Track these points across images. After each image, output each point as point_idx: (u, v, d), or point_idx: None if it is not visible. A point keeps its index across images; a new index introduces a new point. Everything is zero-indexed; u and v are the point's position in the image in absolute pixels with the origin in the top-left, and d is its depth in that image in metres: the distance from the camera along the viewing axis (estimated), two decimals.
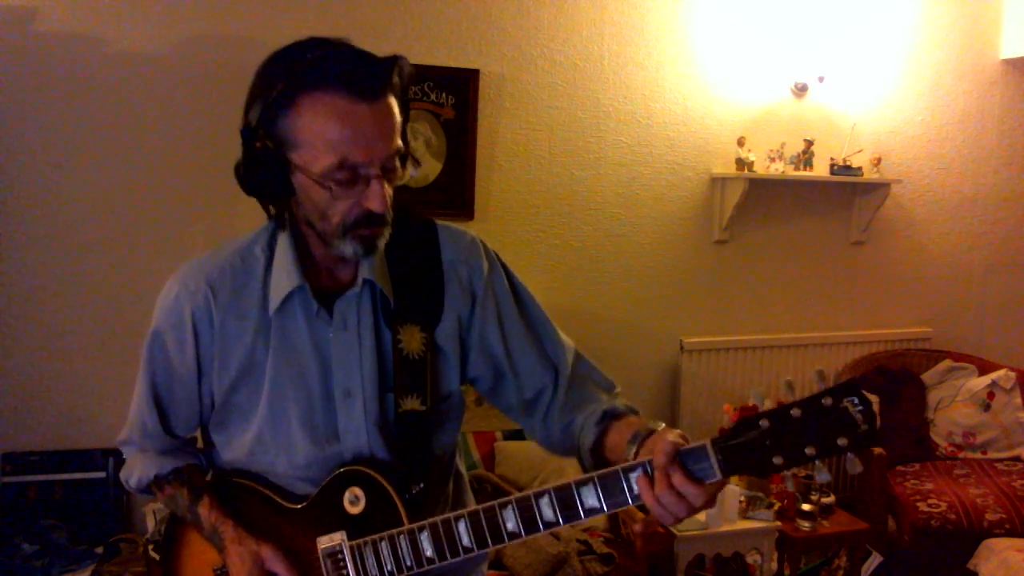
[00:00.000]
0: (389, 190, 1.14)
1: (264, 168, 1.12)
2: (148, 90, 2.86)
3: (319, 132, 1.07)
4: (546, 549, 2.52)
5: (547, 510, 1.07)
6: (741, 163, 3.56)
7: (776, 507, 2.94)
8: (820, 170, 3.72)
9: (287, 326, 1.21)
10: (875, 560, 3.20)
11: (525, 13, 3.28)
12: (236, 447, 1.26)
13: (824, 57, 3.63)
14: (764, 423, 0.99)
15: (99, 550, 2.69)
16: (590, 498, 1.06)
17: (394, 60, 1.10)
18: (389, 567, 1.17)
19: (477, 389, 1.36)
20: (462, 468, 1.42)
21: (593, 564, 2.57)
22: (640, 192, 3.54)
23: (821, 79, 3.64)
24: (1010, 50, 4.00)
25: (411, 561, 1.16)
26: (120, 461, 2.92)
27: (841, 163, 3.72)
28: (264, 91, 1.09)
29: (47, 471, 2.80)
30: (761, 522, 2.88)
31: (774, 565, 2.98)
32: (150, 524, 2.73)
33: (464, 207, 3.24)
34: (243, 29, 2.90)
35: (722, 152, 3.62)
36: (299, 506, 1.23)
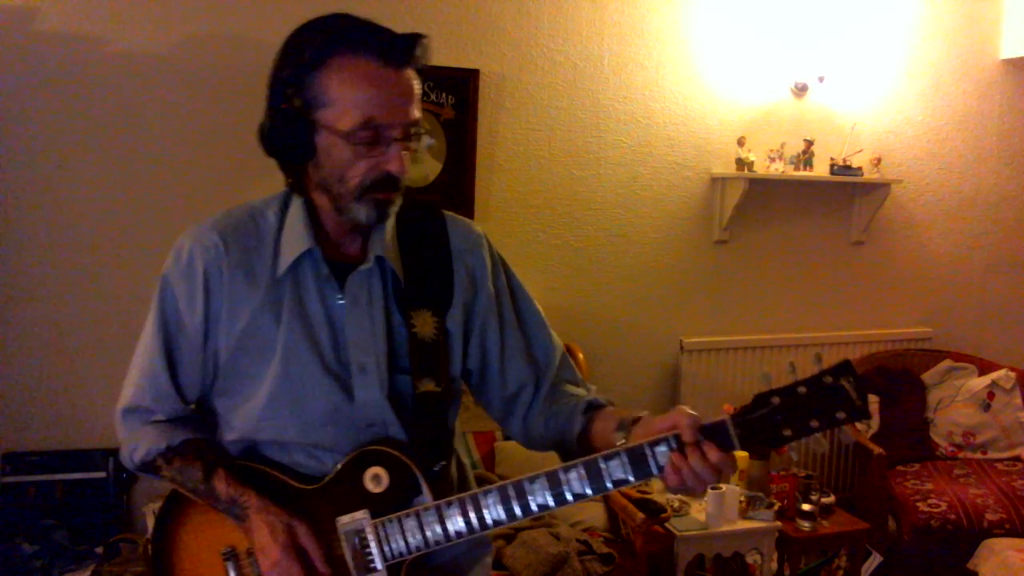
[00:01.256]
0: (407, 157, 1.19)
1: (289, 127, 1.17)
2: (148, 90, 2.86)
3: (348, 91, 1.13)
4: (546, 549, 2.52)
5: (576, 483, 1.14)
6: (741, 163, 3.57)
7: (776, 507, 2.94)
8: (820, 170, 3.72)
9: (299, 289, 1.23)
10: (875, 560, 3.20)
11: (525, 13, 3.28)
12: (244, 413, 1.25)
13: (824, 57, 3.63)
14: (775, 400, 1.10)
15: (99, 550, 2.69)
16: (617, 471, 1.13)
17: (419, 36, 1.17)
18: (416, 542, 1.19)
19: (466, 381, 1.39)
20: (463, 457, 1.43)
21: (593, 564, 2.56)
22: (640, 192, 3.54)
23: (821, 79, 3.64)
24: (1010, 50, 4.01)
25: (440, 535, 1.18)
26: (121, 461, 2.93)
27: (841, 163, 3.72)
28: (296, 52, 1.17)
29: (47, 471, 2.80)
30: (761, 522, 2.88)
31: (774, 565, 2.98)
32: (150, 524, 2.73)
33: (464, 207, 3.23)
34: (243, 29, 2.90)
35: (722, 152, 3.62)
36: (314, 487, 1.23)
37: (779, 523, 2.91)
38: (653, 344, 3.63)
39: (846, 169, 3.72)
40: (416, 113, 1.18)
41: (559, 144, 3.40)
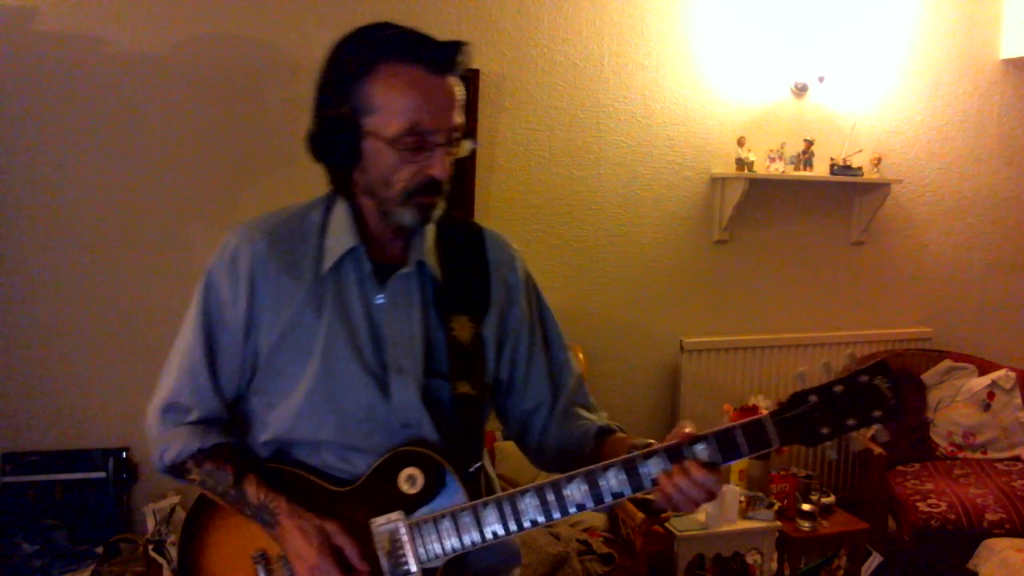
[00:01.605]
0: (450, 162, 1.21)
1: (337, 134, 1.20)
2: (148, 90, 2.86)
3: (394, 98, 1.17)
4: (546, 549, 2.52)
5: (614, 481, 1.15)
6: (741, 163, 3.57)
7: (776, 507, 2.94)
8: (820, 170, 3.72)
9: (341, 287, 1.25)
10: (875, 560, 3.20)
11: (525, 13, 3.28)
12: (280, 411, 1.25)
13: (824, 57, 3.63)
14: (813, 398, 1.13)
15: (99, 550, 2.69)
16: (655, 470, 1.14)
17: (461, 43, 1.20)
18: (452, 544, 1.19)
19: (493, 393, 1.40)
20: (489, 468, 1.43)
21: (593, 564, 2.57)
22: (640, 192, 3.54)
23: (821, 79, 3.64)
24: (1010, 50, 4.01)
25: (477, 536, 1.19)
26: (121, 461, 2.94)
27: (841, 163, 3.72)
28: (343, 61, 1.20)
29: (47, 471, 2.79)
30: (761, 522, 2.88)
31: (774, 565, 2.98)
32: (150, 524, 2.73)
33: (464, 207, 3.23)
34: (243, 29, 2.89)
35: (722, 152, 3.62)
36: (347, 488, 1.23)
37: (779, 523, 2.91)
38: (653, 344, 3.63)
39: (846, 169, 3.72)
40: (459, 118, 1.21)
41: (559, 144, 3.40)
